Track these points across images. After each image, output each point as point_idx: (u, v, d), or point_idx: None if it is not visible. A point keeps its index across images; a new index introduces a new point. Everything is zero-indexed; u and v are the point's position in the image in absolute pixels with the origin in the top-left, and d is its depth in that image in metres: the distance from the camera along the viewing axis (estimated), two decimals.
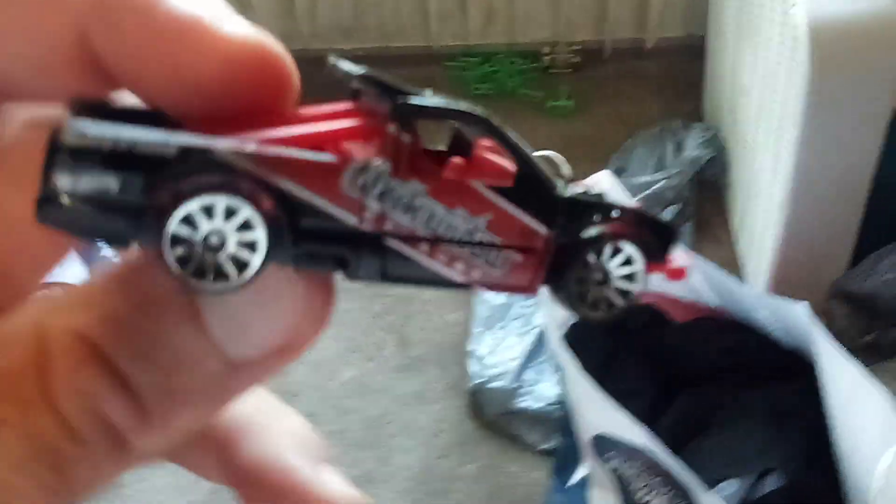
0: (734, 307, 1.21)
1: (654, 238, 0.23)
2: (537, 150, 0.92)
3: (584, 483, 1.15)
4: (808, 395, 1.06)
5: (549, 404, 1.42)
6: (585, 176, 1.37)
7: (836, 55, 1.24)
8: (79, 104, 0.19)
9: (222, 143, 0.19)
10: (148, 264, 0.19)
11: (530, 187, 0.22)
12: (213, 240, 0.18)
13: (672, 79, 2.16)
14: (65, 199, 0.18)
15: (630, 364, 1.26)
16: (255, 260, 0.19)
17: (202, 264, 0.18)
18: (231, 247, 0.18)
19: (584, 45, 2.22)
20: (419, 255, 0.21)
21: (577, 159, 1.31)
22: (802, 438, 1.06)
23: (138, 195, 0.18)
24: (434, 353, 1.60)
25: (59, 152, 0.18)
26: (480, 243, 0.21)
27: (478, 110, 0.21)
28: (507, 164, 0.21)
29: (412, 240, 0.21)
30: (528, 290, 0.22)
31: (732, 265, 1.68)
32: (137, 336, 0.18)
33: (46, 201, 0.18)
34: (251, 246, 0.19)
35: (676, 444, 1.07)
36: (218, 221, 0.18)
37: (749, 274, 1.63)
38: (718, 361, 1.20)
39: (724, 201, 1.83)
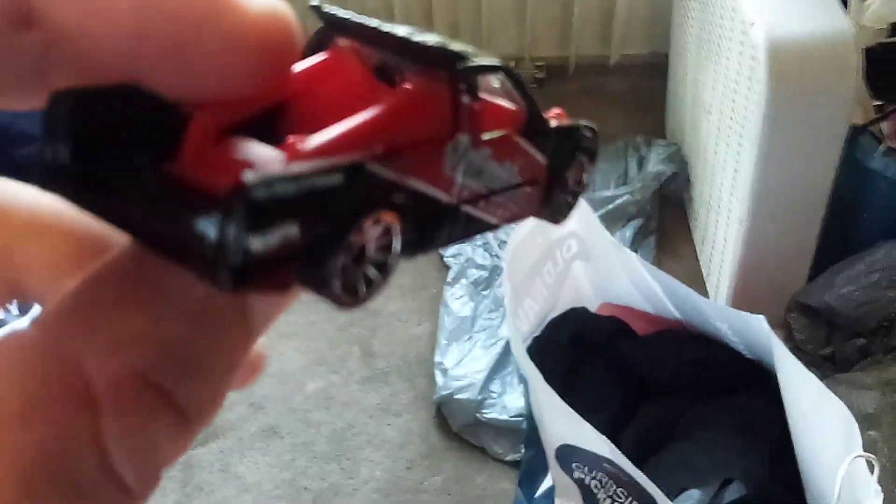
0: (696, 320, 1.23)
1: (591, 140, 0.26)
2: None
3: (550, 494, 1.16)
4: (770, 405, 1.08)
5: (515, 416, 1.43)
6: None
7: (793, 74, 1.27)
8: (61, 99, 0.16)
9: (365, 156, 0.17)
10: (200, 284, 0.16)
11: (533, 124, 0.23)
12: (364, 254, 0.17)
13: (635, 95, 2.19)
14: (256, 260, 0.15)
15: (594, 376, 1.28)
16: (394, 263, 0.18)
17: (353, 280, 0.17)
18: (373, 257, 0.18)
19: (549, 60, 2.25)
20: (480, 213, 0.21)
21: None
22: (764, 448, 1.08)
23: (323, 233, 0.16)
24: (400, 365, 1.61)
25: (247, 209, 0.15)
26: (514, 186, 0.22)
27: (501, 62, 0.21)
28: (518, 108, 0.22)
29: (478, 200, 0.21)
30: (536, 214, 0.24)
31: (695, 279, 1.70)
32: (195, 361, 0.17)
33: (241, 269, 0.15)
34: (388, 252, 0.18)
35: (640, 455, 1.08)
36: (371, 236, 0.17)
37: (711, 287, 1.65)
38: (681, 373, 1.22)
39: (686, 216, 1.86)
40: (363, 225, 0.17)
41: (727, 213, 1.51)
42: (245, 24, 0.16)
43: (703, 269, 1.73)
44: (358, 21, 0.20)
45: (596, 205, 1.76)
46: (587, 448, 1.01)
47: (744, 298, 1.49)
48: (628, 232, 1.76)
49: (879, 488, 0.82)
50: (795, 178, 1.37)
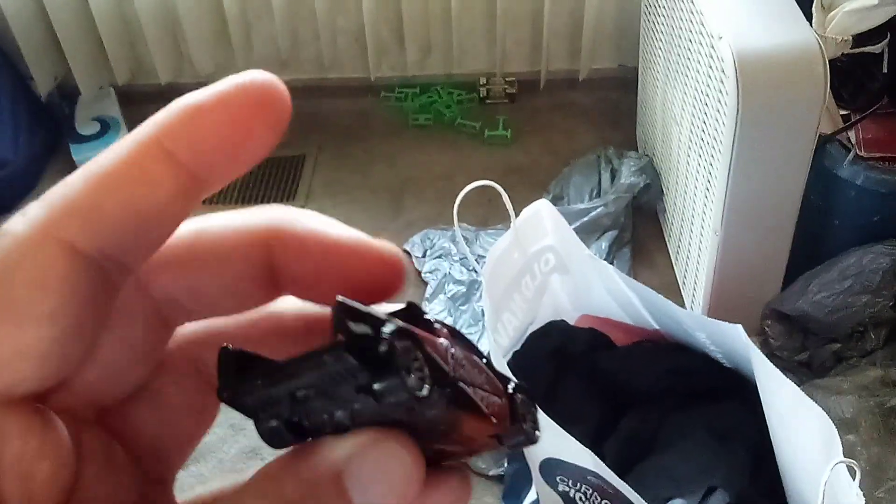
0: (674, 329, 1.24)
1: None
2: (476, 179, 0.94)
3: None
4: (749, 413, 1.09)
5: None
6: (525, 203, 1.40)
7: (762, 86, 1.29)
8: (231, 356, 0.22)
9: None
10: (312, 455, 0.21)
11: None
12: None
13: (605, 109, 2.22)
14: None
15: (574, 388, 1.28)
16: None
17: None
18: None
19: (520, 76, 2.27)
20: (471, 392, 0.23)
21: (514, 188, 1.33)
22: (745, 456, 1.09)
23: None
24: None
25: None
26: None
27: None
28: None
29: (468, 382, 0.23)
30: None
31: (671, 289, 1.72)
32: None
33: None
34: None
35: (623, 466, 1.09)
36: None
37: (687, 297, 1.67)
38: (661, 383, 1.23)
39: (660, 227, 1.88)
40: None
41: (701, 223, 1.53)
42: (383, 248, 0.24)
43: (678, 279, 1.74)
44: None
45: (571, 217, 1.77)
46: (571, 461, 1.01)
47: (720, 307, 1.50)
48: (604, 243, 1.78)
49: (861, 493, 0.83)
50: (767, 188, 1.39)
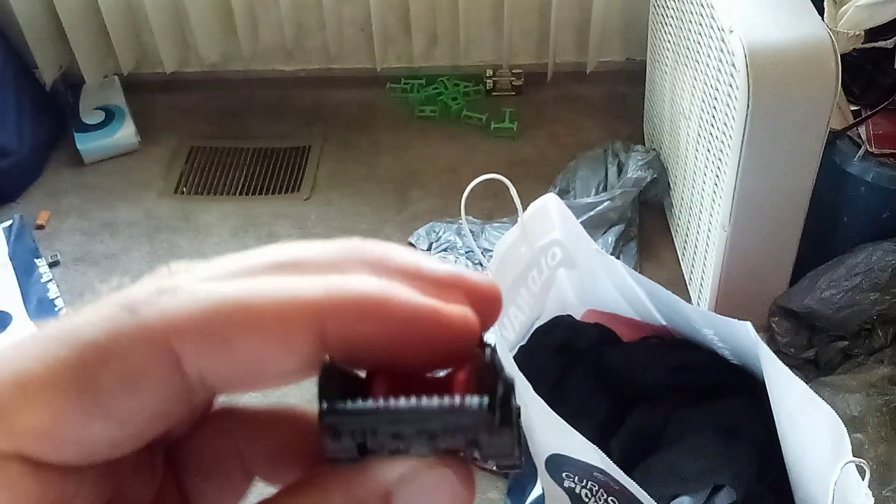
0: (681, 325, 1.24)
1: None
2: (481, 172, 0.94)
3: (539, 503, 1.15)
4: (756, 410, 1.08)
5: None
6: (530, 197, 1.39)
7: (772, 80, 1.28)
8: (331, 372, 0.22)
9: None
10: (360, 476, 0.22)
11: None
12: None
13: (612, 102, 2.20)
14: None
15: (580, 384, 1.27)
16: None
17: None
18: None
19: (527, 68, 2.25)
20: None
21: (520, 180, 1.32)
22: (752, 454, 1.08)
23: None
24: None
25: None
26: None
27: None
28: None
29: None
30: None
31: (677, 284, 1.71)
32: None
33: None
34: None
35: (629, 463, 1.08)
36: None
37: (694, 292, 1.66)
38: (667, 379, 1.22)
39: (666, 222, 1.87)
40: None
41: (709, 218, 1.52)
42: (448, 315, 0.23)
43: (685, 275, 1.73)
44: None
45: (577, 211, 1.75)
46: (577, 457, 1.00)
47: (726, 303, 1.50)
48: (610, 238, 1.77)
49: (870, 492, 0.83)
50: (776, 183, 1.38)
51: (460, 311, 0.23)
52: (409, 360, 0.23)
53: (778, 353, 1.39)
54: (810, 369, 1.42)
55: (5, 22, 2.11)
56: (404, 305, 0.22)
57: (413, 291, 0.23)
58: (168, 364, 0.21)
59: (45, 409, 0.20)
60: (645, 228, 1.85)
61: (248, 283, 0.22)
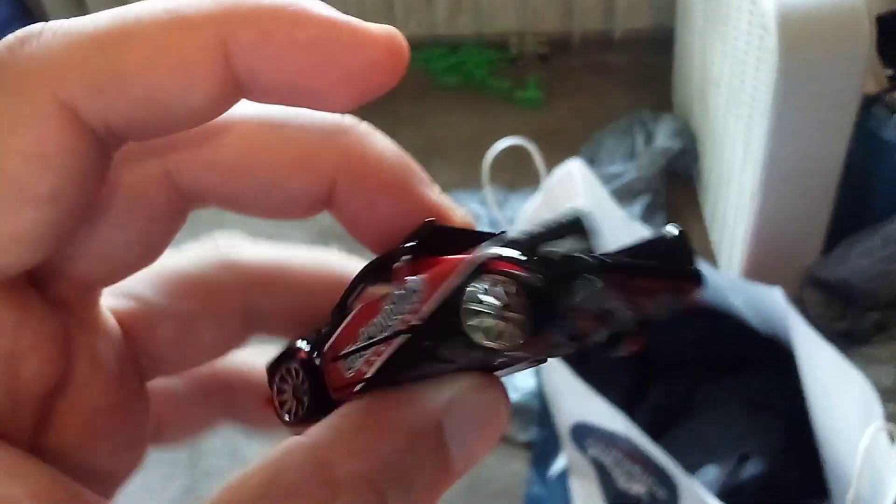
0: (709, 294, 1.21)
1: None
2: (506, 140, 0.92)
3: (564, 473, 1.14)
4: (784, 380, 1.06)
5: (527, 395, 1.41)
6: (555, 165, 1.36)
7: (805, 43, 1.25)
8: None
9: None
10: (408, 406, 0.21)
11: None
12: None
13: (640, 70, 2.16)
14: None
15: (604, 355, 1.26)
16: None
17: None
18: None
19: (552, 35, 2.22)
20: None
21: (545, 150, 1.30)
22: (780, 423, 1.06)
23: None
24: None
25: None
26: None
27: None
28: None
29: None
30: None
31: (705, 255, 1.68)
32: (407, 475, 0.21)
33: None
34: None
35: (653, 433, 1.07)
36: None
37: (723, 263, 1.63)
38: (694, 349, 1.20)
39: (695, 191, 1.84)
40: None
41: (738, 187, 1.49)
42: (373, 33, 0.21)
43: (713, 246, 1.71)
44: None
45: (603, 181, 1.73)
46: (602, 425, 0.99)
47: (756, 274, 1.47)
48: (636, 208, 1.74)
49: None
50: (808, 150, 1.35)
51: (384, 29, 0.21)
52: (330, 93, 0.20)
53: (810, 324, 1.37)
54: (843, 341, 1.39)
55: None
56: (316, 16, 0.20)
57: (325, 5, 0.20)
58: (65, 119, 0.18)
59: None
60: (672, 199, 1.82)
61: (127, 10, 0.19)
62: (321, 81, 0.20)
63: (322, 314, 0.25)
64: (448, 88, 2.18)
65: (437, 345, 0.20)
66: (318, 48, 0.20)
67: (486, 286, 0.19)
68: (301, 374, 0.23)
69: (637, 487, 0.98)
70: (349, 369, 0.22)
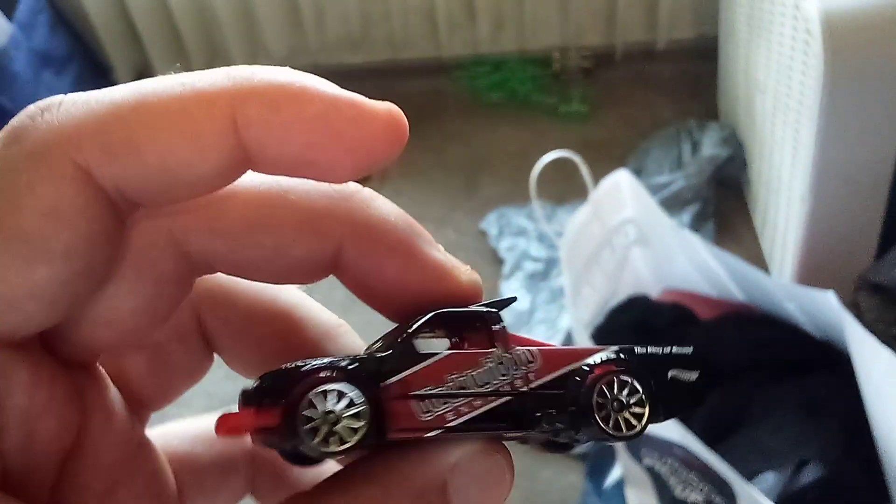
0: (761, 301, 1.21)
1: None
2: (552, 153, 0.93)
3: (619, 484, 1.14)
4: (842, 386, 1.05)
5: None
6: (602, 177, 1.37)
7: (850, 47, 1.24)
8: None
9: None
10: (415, 464, 0.22)
11: None
12: None
13: (684, 80, 2.16)
14: None
15: None
16: None
17: None
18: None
19: (595, 49, 2.22)
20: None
21: (592, 163, 1.30)
22: (838, 429, 1.05)
23: None
24: None
25: None
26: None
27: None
28: None
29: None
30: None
31: (757, 262, 1.66)
32: None
33: None
34: None
35: (709, 441, 1.06)
36: None
37: (775, 270, 1.62)
38: (748, 356, 1.19)
39: (744, 199, 1.83)
40: None
41: (787, 193, 1.48)
42: (374, 109, 0.22)
43: (765, 253, 1.69)
44: None
45: (650, 192, 1.73)
46: (657, 434, 0.99)
47: (809, 279, 1.45)
48: (685, 218, 1.73)
49: None
50: (857, 153, 1.33)
51: (384, 105, 0.22)
52: (333, 164, 0.21)
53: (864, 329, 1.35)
54: None
55: (81, 26, 2.17)
56: (321, 93, 0.21)
57: (329, 83, 0.21)
58: (79, 180, 0.19)
59: None
60: (722, 207, 1.81)
61: (144, 84, 0.20)
62: (326, 154, 0.21)
63: (266, 343, 0.26)
64: (493, 105, 2.19)
65: (542, 415, 0.23)
66: (323, 123, 0.21)
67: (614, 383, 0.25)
68: (350, 400, 0.21)
69: (694, 496, 0.98)
70: (426, 412, 0.22)
